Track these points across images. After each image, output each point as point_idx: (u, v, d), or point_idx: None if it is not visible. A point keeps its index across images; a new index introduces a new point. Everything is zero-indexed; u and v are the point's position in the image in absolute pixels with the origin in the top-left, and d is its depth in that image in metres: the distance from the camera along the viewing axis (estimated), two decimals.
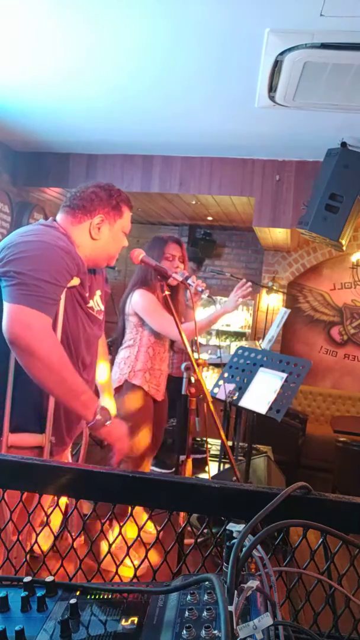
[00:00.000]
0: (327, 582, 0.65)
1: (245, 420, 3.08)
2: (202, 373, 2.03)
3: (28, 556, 0.90)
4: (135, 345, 2.58)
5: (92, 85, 3.09)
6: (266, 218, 4.21)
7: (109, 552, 0.85)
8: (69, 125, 3.86)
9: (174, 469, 3.67)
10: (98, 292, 1.72)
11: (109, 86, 3.07)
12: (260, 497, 0.74)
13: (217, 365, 4.77)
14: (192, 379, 2.02)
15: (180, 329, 1.94)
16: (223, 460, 3.80)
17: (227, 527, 0.61)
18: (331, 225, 3.43)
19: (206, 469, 2.66)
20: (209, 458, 3.90)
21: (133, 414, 2.47)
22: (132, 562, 0.84)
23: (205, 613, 0.57)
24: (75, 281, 1.53)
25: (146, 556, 0.83)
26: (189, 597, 0.60)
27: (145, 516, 1.06)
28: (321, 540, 0.76)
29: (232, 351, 4.13)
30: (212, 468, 3.69)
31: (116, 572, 0.81)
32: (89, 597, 0.64)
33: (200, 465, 3.79)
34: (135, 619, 0.59)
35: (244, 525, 0.60)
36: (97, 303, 1.69)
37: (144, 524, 0.87)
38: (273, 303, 5.95)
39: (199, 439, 4.30)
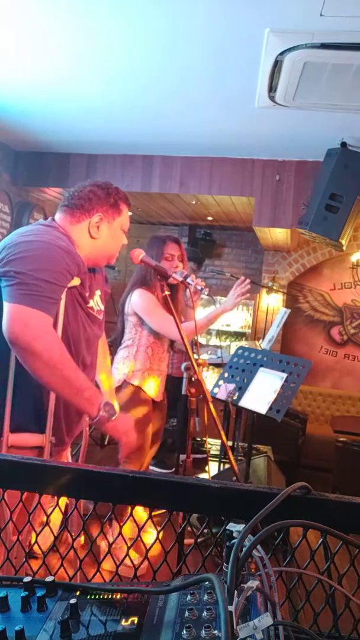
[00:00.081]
0: (327, 582, 0.65)
1: (245, 420, 3.08)
2: (202, 373, 2.03)
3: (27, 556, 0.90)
4: (134, 345, 2.58)
5: (92, 85, 3.09)
6: (266, 218, 4.21)
7: (108, 552, 0.85)
8: (68, 125, 3.86)
9: (174, 469, 3.67)
10: (98, 292, 1.72)
11: (109, 86, 3.07)
12: (260, 497, 0.74)
13: (217, 365, 4.77)
14: (192, 379, 2.02)
15: (180, 328, 1.94)
16: (223, 460, 3.81)
17: (227, 527, 0.61)
18: (331, 225, 3.43)
19: (206, 469, 2.66)
20: (209, 458, 3.90)
21: (132, 415, 2.46)
22: (132, 562, 0.84)
23: (205, 613, 0.57)
24: (76, 281, 1.53)
25: (146, 556, 0.83)
26: (189, 597, 0.60)
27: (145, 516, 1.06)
28: (321, 540, 0.76)
29: (232, 351, 4.13)
30: (212, 468, 3.69)
31: (116, 572, 0.81)
32: (89, 597, 0.64)
33: (200, 465, 3.80)
34: (135, 619, 0.59)
35: (244, 525, 0.60)
36: (97, 303, 1.69)
37: (144, 524, 0.87)
38: (273, 303, 5.95)
39: (199, 439, 4.30)
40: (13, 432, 1.49)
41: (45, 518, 0.88)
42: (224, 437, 2.03)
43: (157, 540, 0.86)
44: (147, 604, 0.62)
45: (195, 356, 2.01)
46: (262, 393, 2.51)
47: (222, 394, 2.65)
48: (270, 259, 5.96)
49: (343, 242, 3.50)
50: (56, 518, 0.92)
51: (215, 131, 3.66)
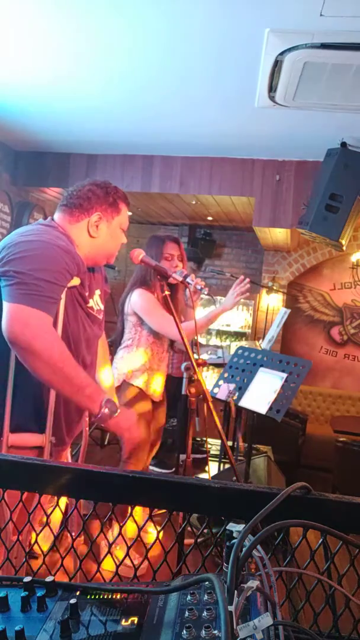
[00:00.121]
0: (327, 582, 0.65)
1: (245, 420, 3.08)
2: (202, 373, 2.03)
3: (28, 555, 0.90)
4: (134, 345, 2.57)
5: (92, 85, 3.09)
6: (266, 218, 4.21)
7: (109, 552, 0.85)
8: (68, 125, 3.86)
9: (174, 469, 3.67)
10: (97, 292, 1.72)
11: (109, 85, 3.07)
12: (260, 497, 0.74)
13: (217, 365, 4.77)
14: (192, 379, 2.02)
15: (180, 328, 1.94)
16: (223, 460, 3.81)
17: (227, 527, 0.61)
18: (331, 225, 3.43)
19: (206, 469, 2.66)
20: (209, 458, 3.90)
21: None
22: (132, 562, 0.84)
23: (205, 613, 0.57)
24: (76, 281, 1.53)
25: (146, 556, 0.83)
26: (189, 597, 0.60)
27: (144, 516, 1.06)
28: (321, 540, 0.76)
29: (232, 351, 4.13)
30: (212, 468, 3.69)
31: (116, 572, 0.81)
32: (89, 597, 0.64)
33: (200, 465, 3.80)
34: (135, 619, 0.59)
35: (244, 525, 0.60)
36: (96, 302, 1.69)
37: (144, 524, 0.87)
38: (273, 303, 5.95)
39: (199, 439, 4.30)
40: (13, 432, 1.49)
41: (45, 518, 0.88)
42: (224, 437, 2.03)
43: (157, 540, 0.86)
44: (147, 604, 0.62)
45: (195, 356, 2.01)
46: (262, 393, 2.51)
47: (222, 394, 2.65)
48: (270, 259, 5.96)
49: (343, 242, 3.50)
50: (56, 518, 0.92)
51: (215, 131, 3.66)
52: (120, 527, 0.85)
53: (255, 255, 6.52)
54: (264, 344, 3.63)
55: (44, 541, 0.98)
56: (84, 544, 1.90)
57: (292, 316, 5.55)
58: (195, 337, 2.40)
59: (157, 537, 0.86)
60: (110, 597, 0.64)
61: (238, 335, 6.16)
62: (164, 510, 0.84)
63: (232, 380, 2.68)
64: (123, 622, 0.58)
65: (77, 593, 0.65)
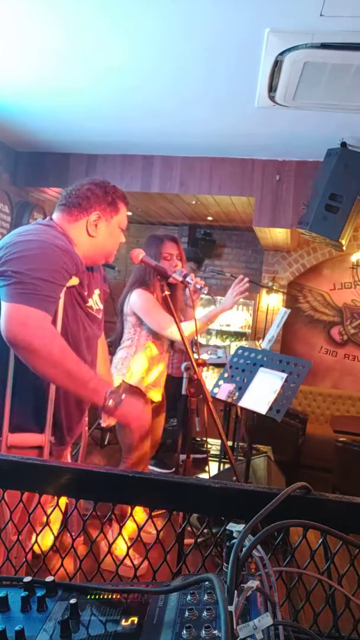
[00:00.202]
0: (327, 582, 0.65)
1: (245, 420, 3.08)
2: (202, 373, 2.03)
3: (29, 555, 0.90)
4: (133, 345, 2.57)
5: (92, 84, 3.09)
6: (266, 218, 4.21)
7: (109, 552, 0.85)
8: (69, 125, 3.86)
9: (174, 469, 3.67)
10: (97, 291, 1.72)
11: (109, 85, 3.07)
12: (260, 497, 0.74)
13: (217, 365, 4.77)
14: (192, 379, 2.02)
15: (180, 328, 1.94)
16: (223, 460, 3.81)
17: (227, 527, 0.61)
18: (331, 225, 3.43)
19: (206, 469, 2.67)
20: (209, 458, 3.90)
21: None
22: (132, 562, 0.84)
23: (205, 613, 0.57)
24: (75, 281, 1.53)
25: (146, 556, 0.83)
26: (189, 597, 0.60)
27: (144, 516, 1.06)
28: (321, 540, 0.76)
29: (232, 351, 4.13)
30: (212, 468, 3.69)
31: (116, 572, 0.81)
32: (89, 597, 0.64)
33: (200, 465, 3.80)
34: (135, 619, 0.59)
35: (244, 525, 0.60)
36: (95, 302, 1.69)
37: (144, 524, 0.87)
38: (273, 303, 5.95)
39: (199, 439, 4.30)
40: (13, 432, 1.49)
41: (45, 518, 0.88)
42: (224, 437, 2.03)
43: (157, 541, 0.86)
44: (147, 604, 0.62)
45: (195, 356, 2.01)
46: (262, 393, 2.51)
47: (222, 394, 2.65)
48: (270, 259, 5.96)
49: (343, 242, 3.50)
50: (56, 518, 0.92)
51: (214, 131, 3.66)
52: (120, 527, 0.85)
53: (255, 255, 6.52)
54: (264, 344, 3.63)
55: (44, 541, 0.98)
56: (84, 544, 1.90)
57: (292, 316, 5.55)
58: (195, 337, 2.40)
59: (157, 537, 0.86)
60: (110, 597, 0.64)
61: (238, 335, 6.16)
62: (163, 510, 0.84)
63: (232, 380, 2.68)
64: (123, 622, 0.58)
65: (77, 593, 0.65)
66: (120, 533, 0.87)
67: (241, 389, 2.61)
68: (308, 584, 0.73)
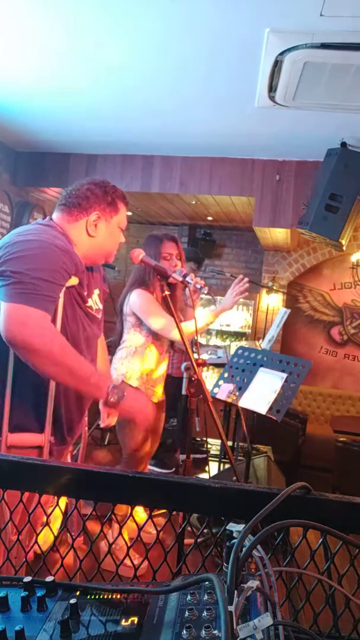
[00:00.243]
0: (327, 582, 0.65)
1: (245, 420, 3.08)
2: (202, 373, 2.03)
3: (29, 554, 0.90)
4: (133, 345, 2.56)
5: (92, 84, 3.09)
6: (266, 218, 4.21)
7: (109, 552, 0.85)
8: (69, 125, 3.86)
9: (174, 469, 3.67)
10: (96, 291, 1.72)
11: (109, 85, 3.07)
12: (260, 497, 0.74)
13: (217, 365, 4.77)
14: (192, 379, 2.02)
15: (180, 328, 1.93)
16: (223, 460, 3.81)
17: (227, 527, 0.61)
18: (331, 225, 3.43)
19: (206, 469, 2.66)
20: (209, 458, 3.91)
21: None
22: (132, 562, 0.84)
23: (205, 613, 0.57)
24: (74, 280, 1.53)
25: (146, 556, 0.83)
26: (189, 597, 0.60)
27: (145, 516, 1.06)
28: (321, 540, 0.76)
29: (232, 351, 4.13)
30: (212, 468, 3.69)
31: (116, 572, 0.81)
32: (89, 597, 0.64)
33: (200, 465, 3.80)
34: (135, 619, 0.59)
35: (244, 525, 0.60)
36: (95, 302, 1.69)
37: (144, 524, 0.87)
38: (273, 303, 5.95)
39: (199, 439, 4.30)
40: (12, 432, 1.49)
41: (45, 518, 0.88)
42: (224, 437, 2.03)
43: (157, 540, 0.86)
44: (147, 604, 0.62)
45: (195, 356, 2.01)
46: (262, 393, 2.51)
47: (222, 394, 2.65)
48: (270, 259, 5.96)
49: (343, 242, 3.50)
50: (56, 517, 0.92)
51: (214, 131, 3.66)
52: (120, 527, 0.85)
53: (255, 255, 6.52)
54: (264, 344, 3.63)
55: (43, 541, 0.98)
56: (84, 544, 1.90)
57: (292, 316, 5.55)
58: (195, 337, 2.40)
59: (157, 537, 0.86)
60: (110, 597, 0.64)
61: (238, 335, 6.16)
62: (163, 510, 0.84)
63: (232, 380, 2.68)
64: (123, 622, 0.58)
65: (77, 593, 0.65)
66: (120, 533, 0.87)
67: (241, 389, 2.61)
68: (308, 584, 0.73)
